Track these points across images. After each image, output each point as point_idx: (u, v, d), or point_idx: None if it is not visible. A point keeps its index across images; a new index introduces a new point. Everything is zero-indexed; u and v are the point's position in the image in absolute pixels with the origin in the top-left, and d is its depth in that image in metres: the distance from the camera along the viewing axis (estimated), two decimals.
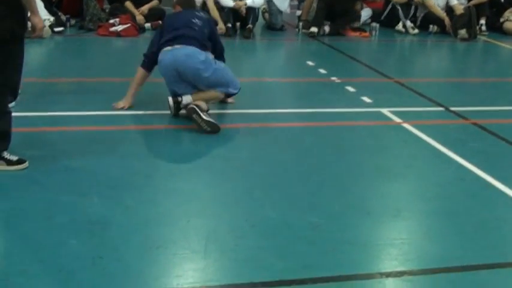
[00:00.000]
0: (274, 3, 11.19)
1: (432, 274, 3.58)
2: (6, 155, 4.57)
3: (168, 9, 9.94)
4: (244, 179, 4.74)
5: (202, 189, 4.54)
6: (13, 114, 4.65)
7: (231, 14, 10.63)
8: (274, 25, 11.37)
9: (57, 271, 3.35)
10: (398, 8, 11.85)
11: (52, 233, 3.75)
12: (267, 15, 11.54)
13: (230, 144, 5.51)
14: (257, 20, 10.93)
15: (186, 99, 5.79)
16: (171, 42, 5.83)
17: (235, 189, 4.58)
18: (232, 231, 3.91)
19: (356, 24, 11.51)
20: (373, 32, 11.44)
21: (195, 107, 5.54)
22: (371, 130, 6.01)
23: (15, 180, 4.43)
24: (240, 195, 4.47)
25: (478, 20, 11.80)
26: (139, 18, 10.29)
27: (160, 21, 9.57)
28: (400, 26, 11.83)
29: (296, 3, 12.77)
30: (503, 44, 11.31)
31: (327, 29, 11.05)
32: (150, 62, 6.02)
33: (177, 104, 5.81)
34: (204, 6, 10.43)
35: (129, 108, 6.05)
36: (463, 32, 11.29)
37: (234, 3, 10.60)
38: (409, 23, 11.78)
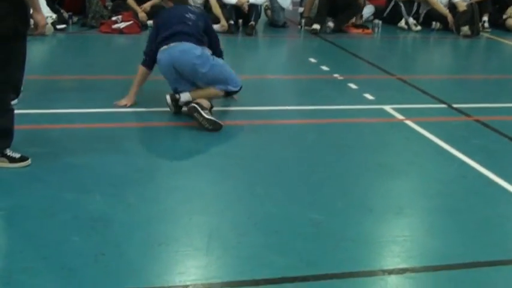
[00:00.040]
0: (276, 0, 11.18)
1: (434, 271, 3.58)
2: (8, 152, 4.57)
3: None
4: (247, 176, 4.74)
5: (205, 186, 4.54)
6: (15, 111, 4.65)
7: (234, 11, 10.61)
8: (276, 22, 11.36)
9: (60, 268, 3.36)
10: (401, 4, 11.84)
11: (55, 230, 3.75)
12: (269, 12, 11.53)
13: (232, 142, 5.51)
14: (259, 17, 10.93)
15: (184, 96, 5.79)
16: (166, 40, 5.83)
17: (237, 186, 4.58)
18: (235, 228, 3.91)
19: (359, 21, 11.50)
20: (376, 29, 11.43)
21: (196, 105, 5.53)
22: (373, 127, 6.01)
23: (17, 178, 4.43)
24: (242, 193, 4.47)
25: (480, 17, 11.79)
26: (142, 15, 10.28)
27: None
28: (402, 23, 11.82)
29: (298, 0, 12.76)
30: (506, 41, 11.29)
31: (331, 25, 11.02)
32: (150, 59, 6.02)
33: (175, 102, 5.80)
34: (207, 3, 10.42)
35: (132, 106, 6.05)
36: (465, 29, 11.27)
37: (236, 1, 10.58)
38: (411, 20, 11.77)
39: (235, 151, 5.29)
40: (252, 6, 10.65)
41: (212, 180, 4.67)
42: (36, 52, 8.10)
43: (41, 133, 5.34)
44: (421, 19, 11.97)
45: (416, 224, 4.21)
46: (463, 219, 4.21)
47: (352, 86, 7.32)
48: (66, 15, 10.13)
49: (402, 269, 3.56)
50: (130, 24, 9.93)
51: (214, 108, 5.85)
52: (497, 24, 12.26)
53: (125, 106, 6.02)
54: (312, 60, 8.70)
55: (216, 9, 10.27)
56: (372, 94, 6.93)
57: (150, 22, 10.36)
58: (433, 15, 11.84)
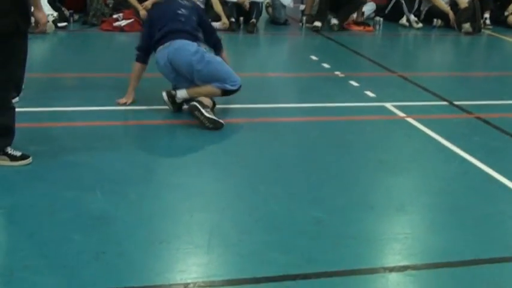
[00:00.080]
0: None
1: (435, 268, 3.58)
2: (10, 150, 4.57)
3: None
4: (248, 174, 4.74)
5: (206, 184, 4.54)
6: (17, 109, 4.65)
7: (235, 9, 10.60)
8: (277, 19, 11.34)
9: (61, 266, 3.36)
10: (402, 2, 11.82)
11: (55, 228, 3.75)
12: (270, 9, 11.51)
13: (233, 139, 5.51)
14: (260, 15, 10.91)
15: (181, 93, 5.77)
16: (162, 40, 5.83)
17: (238, 184, 4.58)
18: (236, 226, 3.91)
19: (360, 18, 11.49)
20: (377, 26, 11.42)
21: (197, 104, 5.53)
22: (374, 124, 6.01)
23: (18, 176, 4.43)
24: (243, 190, 4.47)
25: (482, 14, 11.76)
26: (143, 13, 10.24)
27: None
28: (404, 20, 11.80)
29: None
30: (507, 38, 11.27)
31: (335, 22, 10.99)
32: (143, 54, 6.03)
33: (172, 98, 5.79)
34: (208, 1, 10.41)
35: (132, 104, 6.05)
36: (467, 26, 11.26)
37: None
38: (413, 17, 11.75)
39: (236, 149, 5.30)
40: (253, 4, 10.63)
41: (213, 177, 4.67)
42: (37, 50, 8.10)
43: (42, 131, 5.34)
44: (422, 16, 11.95)
45: (417, 221, 4.21)
46: (464, 216, 4.21)
47: (354, 83, 7.31)
48: (67, 13, 10.12)
49: (403, 266, 3.56)
50: (132, 22, 9.92)
51: (218, 106, 5.84)
52: (499, 21, 12.23)
53: (125, 104, 6.03)
54: (313, 57, 8.69)
55: (217, 7, 10.26)
56: (373, 91, 6.92)
57: None
58: (434, 12, 11.83)
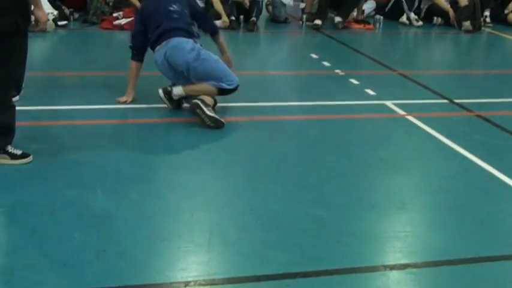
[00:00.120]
0: None
1: (436, 266, 3.59)
2: (10, 149, 4.57)
3: None
4: (248, 172, 4.74)
5: (206, 182, 4.54)
6: (17, 108, 4.65)
7: (235, 7, 10.59)
8: (277, 18, 11.33)
9: (62, 265, 3.36)
10: (403, 0, 11.82)
11: (56, 226, 3.75)
12: (270, 8, 11.49)
13: (234, 138, 5.51)
14: (261, 13, 10.89)
15: (177, 90, 5.77)
16: (159, 40, 5.83)
17: (238, 182, 4.58)
18: (236, 224, 3.92)
19: (360, 17, 11.48)
20: (377, 24, 11.41)
21: (198, 102, 5.52)
22: (375, 123, 6.00)
23: (19, 174, 4.43)
24: (244, 189, 4.48)
25: (482, 12, 11.75)
26: None
27: None
28: (404, 18, 11.79)
29: None
30: (507, 36, 11.27)
31: (339, 19, 10.96)
32: (138, 52, 6.04)
33: (168, 95, 5.79)
34: None
35: (133, 102, 6.05)
36: (467, 24, 11.25)
37: None
38: (413, 15, 11.74)
39: (236, 147, 5.30)
40: (253, 2, 10.62)
41: (213, 176, 4.67)
42: (37, 49, 8.09)
43: (43, 130, 5.34)
44: (422, 14, 11.94)
45: (417, 219, 4.21)
46: (464, 215, 4.21)
47: (354, 81, 7.31)
48: (67, 11, 10.11)
49: (404, 264, 3.56)
50: (132, 20, 9.86)
51: (218, 104, 5.84)
52: (499, 19, 12.22)
53: (125, 102, 6.03)
54: (313, 55, 8.69)
55: (218, 5, 10.25)
56: (373, 89, 6.92)
57: None
58: (434, 10, 11.82)
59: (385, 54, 9.51)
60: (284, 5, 11.25)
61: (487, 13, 12.02)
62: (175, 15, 5.92)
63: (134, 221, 3.87)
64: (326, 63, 8.19)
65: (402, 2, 11.80)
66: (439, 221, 4.16)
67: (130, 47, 6.08)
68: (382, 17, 11.54)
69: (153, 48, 5.94)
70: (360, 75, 7.62)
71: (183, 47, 5.74)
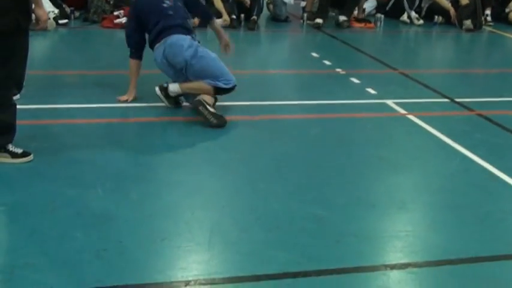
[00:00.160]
0: None
1: (437, 266, 3.58)
2: (11, 147, 4.57)
3: None
4: (248, 172, 4.74)
5: (206, 181, 4.54)
6: (18, 106, 4.65)
7: (236, 6, 10.59)
8: (278, 16, 11.33)
9: (62, 264, 3.36)
10: None
11: (56, 225, 3.75)
12: (271, 6, 11.49)
13: (234, 137, 5.50)
14: (261, 12, 10.90)
15: (173, 87, 5.77)
16: (157, 38, 5.83)
17: (238, 181, 4.58)
18: (236, 223, 3.91)
19: (361, 15, 11.47)
20: (378, 23, 11.41)
21: (201, 99, 5.53)
22: (376, 122, 6.00)
23: (19, 173, 4.43)
24: (244, 188, 4.47)
25: (483, 11, 11.74)
26: None
27: None
28: (405, 17, 11.78)
29: None
30: (508, 35, 11.26)
31: (344, 18, 10.95)
32: (136, 51, 6.04)
33: (165, 91, 5.78)
34: None
35: (133, 101, 6.05)
36: (468, 23, 11.24)
37: None
38: (414, 14, 11.74)
39: (236, 146, 5.30)
40: (254, 1, 10.62)
41: (214, 175, 4.67)
42: (38, 47, 8.10)
43: (43, 128, 5.34)
44: (423, 13, 11.94)
45: (418, 219, 4.21)
46: (465, 214, 4.20)
47: (355, 80, 7.31)
48: (68, 10, 10.12)
49: (404, 264, 3.56)
50: None
51: (218, 103, 5.84)
52: (500, 18, 12.21)
53: (126, 101, 6.03)
54: (314, 54, 8.69)
55: (218, 4, 10.25)
56: (374, 88, 6.92)
57: None
58: (435, 9, 11.81)
59: (386, 53, 9.51)
60: (285, 3, 11.26)
61: (488, 12, 12.00)
62: (170, 12, 5.89)
63: (134, 220, 3.87)
64: (327, 62, 8.19)
65: (403, 0, 11.80)
66: (439, 220, 4.16)
67: (128, 46, 6.08)
68: (383, 16, 11.53)
69: (152, 47, 5.94)
70: (361, 74, 7.62)
71: (181, 44, 5.73)
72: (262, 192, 4.37)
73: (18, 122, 4.63)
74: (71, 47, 8.83)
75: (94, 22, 10.04)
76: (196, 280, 3.29)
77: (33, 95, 5.94)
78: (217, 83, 5.72)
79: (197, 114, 5.55)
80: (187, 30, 5.90)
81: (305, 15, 11.35)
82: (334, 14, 11.80)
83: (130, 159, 4.83)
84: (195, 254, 3.56)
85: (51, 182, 4.34)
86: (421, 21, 11.67)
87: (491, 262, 3.63)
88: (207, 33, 9.45)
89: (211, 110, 5.52)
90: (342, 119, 6.05)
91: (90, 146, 4.99)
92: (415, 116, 6.06)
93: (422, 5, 12.02)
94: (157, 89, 5.81)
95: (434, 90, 7.05)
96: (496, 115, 6.20)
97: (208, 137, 5.37)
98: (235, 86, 5.80)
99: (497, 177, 4.77)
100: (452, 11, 11.57)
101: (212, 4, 10.21)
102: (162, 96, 5.81)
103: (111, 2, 10.53)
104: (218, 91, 5.77)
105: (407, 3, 11.78)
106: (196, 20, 9.50)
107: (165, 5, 5.91)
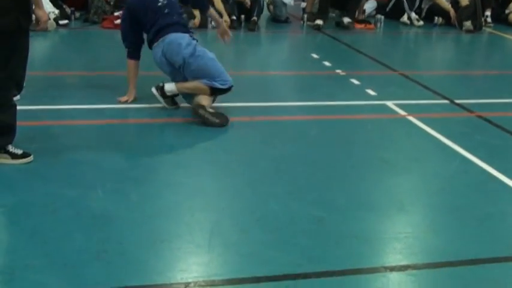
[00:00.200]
0: None
1: (436, 268, 3.59)
2: (11, 148, 4.58)
3: None
4: (248, 173, 4.74)
5: (207, 183, 4.55)
6: (18, 107, 4.65)
7: (236, 6, 10.60)
8: (278, 17, 11.34)
9: (62, 265, 3.36)
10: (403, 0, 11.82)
11: (57, 226, 3.76)
12: (271, 7, 11.50)
13: (234, 138, 5.51)
14: (262, 12, 10.90)
15: (169, 86, 5.79)
16: (155, 38, 5.84)
17: (239, 183, 4.58)
18: (236, 225, 3.92)
19: (361, 16, 11.48)
20: (378, 24, 11.42)
21: (198, 103, 5.57)
22: (376, 123, 6.00)
23: (19, 174, 4.44)
24: (244, 189, 4.47)
25: (483, 12, 11.75)
26: None
27: None
28: (405, 18, 11.79)
29: None
30: (508, 36, 11.27)
31: (348, 19, 10.94)
32: (134, 50, 6.06)
33: (161, 91, 5.79)
34: None
35: (133, 102, 6.06)
36: (468, 24, 11.25)
37: None
38: (414, 15, 11.75)
39: (237, 147, 5.30)
40: (255, 2, 10.62)
41: (214, 176, 4.68)
42: (38, 48, 8.10)
43: (44, 129, 5.34)
44: (423, 14, 11.95)
45: (418, 220, 4.21)
46: (464, 216, 4.21)
47: (355, 81, 7.31)
48: (68, 10, 10.13)
49: (404, 265, 3.56)
50: None
51: (216, 104, 5.84)
52: (500, 19, 12.23)
53: (126, 102, 6.04)
54: (314, 55, 8.69)
55: (219, 5, 10.24)
56: (374, 90, 6.92)
57: None
58: (435, 10, 11.82)
59: (386, 54, 9.51)
60: (285, 4, 11.26)
61: (488, 13, 12.01)
62: (166, 10, 5.88)
63: (135, 222, 3.87)
64: (327, 63, 8.19)
65: (403, 1, 11.81)
66: (439, 222, 4.16)
67: (125, 46, 6.08)
68: (383, 17, 11.55)
69: (150, 46, 5.94)
70: (361, 75, 7.62)
71: (180, 43, 5.74)
72: (262, 193, 4.38)
73: (18, 123, 4.64)
74: (71, 48, 8.84)
75: (94, 23, 10.05)
76: (196, 282, 3.29)
77: (34, 96, 5.94)
78: (214, 83, 5.73)
79: (198, 118, 5.55)
80: (185, 27, 5.92)
81: (305, 16, 11.36)
82: (334, 15, 11.83)
83: (131, 160, 4.84)
84: (195, 255, 3.56)
85: (52, 183, 4.34)
86: (421, 22, 11.67)
87: (491, 264, 3.64)
88: (207, 34, 9.51)
89: (211, 110, 5.54)
90: (342, 120, 6.06)
91: (90, 147, 5.00)
92: (415, 117, 6.06)
93: (423, 6, 12.03)
94: (153, 88, 5.83)
95: (434, 92, 7.05)
96: (495, 116, 6.20)
97: (208, 138, 5.38)
98: (231, 86, 5.82)
99: (497, 179, 4.78)
100: (452, 12, 11.58)
101: (212, 5, 10.20)
102: (158, 96, 5.82)
103: (112, 3, 10.54)
104: (214, 91, 5.78)
105: (408, 4, 11.79)
106: (196, 21, 9.58)
107: (159, 4, 5.90)
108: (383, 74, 7.94)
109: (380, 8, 12.07)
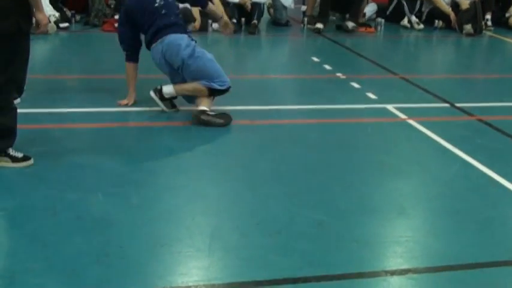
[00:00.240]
0: None
1: (437, 272, 3.58)
2: (11, 151, 4.58)
3: None
4: (249, 176, 4.74)
5: (207, 186, 4.54)
6: (18, 110, 4.65)
7: (236, 10, 10.60)
8: (279, 20, 11.34)
9: (63, 269, 3.36)
10: (404, 3, 11.82)
11: (57, 230, 3.76)
12: (272, 10, 11.52)
13: (234, 141, 5.51)
14: (262, 16, 10.91)
15: (168, 88, 5.79)
16: (154, 38, 5.84)
17: (239, 186, 4.58)
18: (237, 229, 3.91)
19: (361, 20, 11.48)
20: (379, 28, 11.42)
21: (199, 109, 5.59)
22: (376, 127, 6.01)
23: (20, 177, 4.44)
24: (244, 193, 4.47)
25: (483, 15, 11.75)
26: None
27: None
28: (405, 21, 11.80)
29: None
30: (508, 39, 11.27)
31: (352, 23, 10.94)
32: (132, 53, 6.05)
33: (159, 93, 5.79)
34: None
35: (134, 105, 6.06)
36: (468, 27, 11.25)
37: None
38: (414, 18, 11.75)
39: (237, 151, 5.30)
40: (255, 5, 10.63)
41: (214, 180, 4.67)
42: (39, 51, 8.11)
43: (44, 132, 5.35)
44: (423, 17, 11.96)
45: (418, 224, 4.21)
46: (465, 220, 4.20)
47: (355, 85, 7.31)
48: (69, 13, 10.13)
49: (405, 269, 3.56)
50: None
51: (216, 107, 5.84)
52: (500, 22, 12.23)
53: (126, 105, 6.04)
54: (315, 59, 8.69)
55: (219, 8, 10.24)
56: (374, 93, 6.92)
57: None
58: (435, 13, 11.83)
59: (386, 57, 9.51)
60: (285, 7, 11.27)
61: (488, 16, 12.01)
62: (163, 11, 5.88)
63: (135, 225, 3.87)
64: (327, 67, 8.19)
65: (403, 5, 11.82)
66: (439, 225, 4.16)
67: (123, 49, 6.08)
68: (383, 20, 11.55)
69: (148, 47, 5.94)
70: (361, 79, 7.62)
71: (179, 44, 5.74)
72: (262, 197, 4.38)
73: (18, 126, 4.64)
74: (71, 51, 8.84)
75: (95, 26, 10.06)
76: (197, 286, 3.29)
77: (34, 99, 5.94)
78: (212, 84, 5.73)
79: (202, 124, 5.55)
80: (183, 28, 5.92)
81: (305, 19, 11.36)
82: (334, 18, 11.84)
83: (131, 163, 4.83)
84: (195, 259, 3.56)
85: (52, 186, 4.34)
86: (422, 26, 11.68)
87: (491, 268, 3.63)
88: (208, 37, 9.51)
89: (213, 113, 5.55)
90: (342, 123, 6.06)
91: (90, 151, 5.00)
92: (416, 121, 6.06)
93: (423, 9, 12.04)
94: (151, 92, 5.83)
95: (435, 95, 7.05)
96: (496, 120, 6.20)
97: (208, 141, 5.38)
98: (229, 87, 5.83)
99: (498, 183, 4.77)
100: (452, 15, 11.58)
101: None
102: (157, 99, 5.82)
103: (112, 6, 10.55)
104: (213, 92, 5.78)
105: (408, 7, 11.80)
106: (197, 24, 9.58)
107: (156, 5, 5.89)
108: (383, 78, 7.94)
109: (380, 12, 12.07)
